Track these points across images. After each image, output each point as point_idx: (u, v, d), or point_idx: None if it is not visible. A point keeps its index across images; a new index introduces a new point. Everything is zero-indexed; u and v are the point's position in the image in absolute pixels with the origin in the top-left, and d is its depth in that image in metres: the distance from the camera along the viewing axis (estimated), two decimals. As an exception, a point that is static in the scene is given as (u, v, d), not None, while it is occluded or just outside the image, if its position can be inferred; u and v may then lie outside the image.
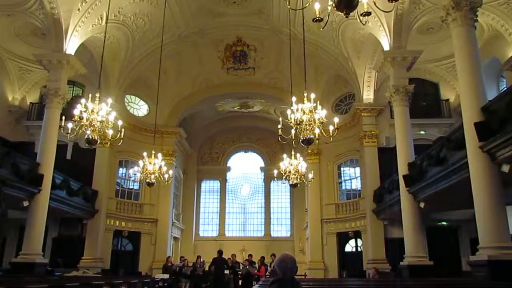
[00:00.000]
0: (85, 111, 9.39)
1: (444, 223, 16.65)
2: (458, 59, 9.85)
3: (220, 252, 16.41)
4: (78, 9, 13.94)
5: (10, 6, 13.93)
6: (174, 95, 21.42)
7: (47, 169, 13.40)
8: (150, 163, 12.68)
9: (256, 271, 16.56)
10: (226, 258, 16.86)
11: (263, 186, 26.97)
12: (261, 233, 26.07)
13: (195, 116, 24.78)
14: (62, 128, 9.90)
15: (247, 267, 16.52)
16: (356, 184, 19.84)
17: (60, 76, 14.17)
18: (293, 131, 9.35)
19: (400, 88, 13.62)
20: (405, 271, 12.32)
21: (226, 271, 16.28)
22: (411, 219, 12.66)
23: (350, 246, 19.49)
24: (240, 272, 16.85)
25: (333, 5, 5.04)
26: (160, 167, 12.87)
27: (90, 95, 9.80)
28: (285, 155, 12.65)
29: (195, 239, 25.28)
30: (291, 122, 9.13)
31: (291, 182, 12.24)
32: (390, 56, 13.78)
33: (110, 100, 10.13)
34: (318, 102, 9.30)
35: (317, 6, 5.53)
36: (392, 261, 15.69)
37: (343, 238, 19.49)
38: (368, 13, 5.09)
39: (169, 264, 16.72)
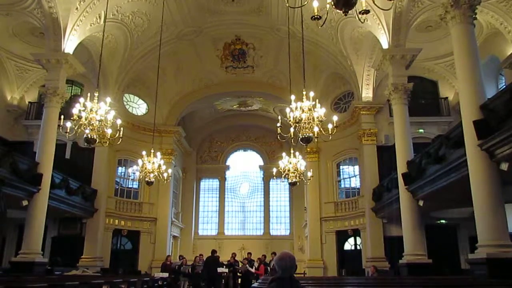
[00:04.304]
0: (84, 110, 9.41)
1: (443, 221, 16.67)
2: (457, 57, 9.85)
3: (213, 252, 16.42)
4: (76, 8, 13.91)
5: (8, 5, 13.90)
6: (173, 94, 21.41)
7: (46, 168, 13.39)
8: (149, 162, 12.70)
9: (255, 269, 16.57)
10: (230, 257, 16.87)
11: (262, 185, 26.98)
12: (260, 231, 26.08)
13: (194, 115, 24.77)
14: (61, 128, 9.91)
15: (246, 265, 16.54)
16: (355, 183, 19.86)
17: (58, 75, 14.14)
18: (292, 130, 9.36)
19: (399, 86, 13.61)
20: (404, 269, 12.34)
21: (222, 269, 16.28)
22: (410, 217, 12.67)
23: (349, 244, 19.52)
24: (239, 271, 16.86)
25: (332, 3, 5.03)
26: (159, 166, 12.89)
27: (88, 94, 9.83)
28: (284, 154, 12.67)
29: (194, 238, 25.28)
30: (290, 121, 9.14)
31: (290, 181, 12.26)
32: (388, 54, 13.76)
33: (108, 99, 10.13)
34: (317, 100, 9.32)
35: (315, 4, 5.53)
36: (391, 259, 15.73)
37: (342, 236, 19.51)
38: (366, 11, 5.09)
39: (168, 262, 16.72)
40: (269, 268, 15.90)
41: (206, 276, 15.74)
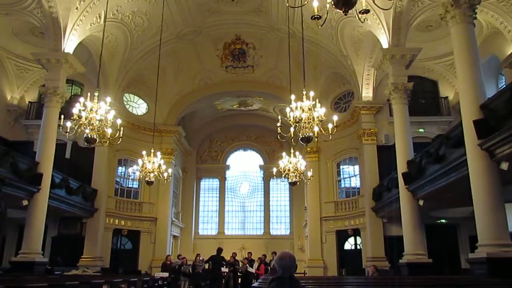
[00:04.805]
0: (84, 110, 9.40)
1: (443, 220, 16.67)
2: (457, 57, 9.85)
3: (218, 250, 16.42)
4: (76, 8, 13.91)
5: (8, 5, 13.90)
6: (173, 94, 21.40)
7: (46, 168, 13.40)
8: (149, 161, 12.70)
9: (255, 269, 16.57)
10: (229, 257, 16.90)
11: (263, 184, 26.96)
12: (260, 231, 26.08)
13: (194, 114, 24.77)
14: (61, 127, 9.90)
15: (246, 265, 16.54)
16: (355, 182, 19.85)
17: (58, 75, 14.15)
18: (292, 129, 9.37)
19: (399, 85, 13.61)
20: (404, 269, 12.34)
21: (224, 269, 16.29)
22: (410, 217, 12.67)
23: (349, 244, 19.52)
24: (240, 271, 16.86)
25: (332, 2, 5.03)
26: (159, 165, 12.89)
27: (89, 94, 9.82)
28: (284, 153, 12.67)
29: (194, 238, 25.28)
30: (290, 120, 9.14)
31: (290, 180, 12.26)
32: (389, 53, 13.76)
33: (109, 99, 10.12)
34: (317, 100, 9.32)
35: (315, 3, 5.52)
36: (391, 259, 15.72)
37: (342, 236, 19.50)
38: (366, 11, 5.09)
39: (168, 262, 16.73)
40: (269, 268, 15.91)
41: (210, 275, 15.79)
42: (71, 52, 14.36)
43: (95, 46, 15.98)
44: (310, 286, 7.83)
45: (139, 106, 21.38)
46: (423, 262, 12.11)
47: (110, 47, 17.01)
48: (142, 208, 20.39)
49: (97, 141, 9.65)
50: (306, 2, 5.44)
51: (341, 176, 20.54)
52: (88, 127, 9.33)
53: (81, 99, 9.53)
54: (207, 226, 26.28)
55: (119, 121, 10.64)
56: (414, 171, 12.30)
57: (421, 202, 12.48)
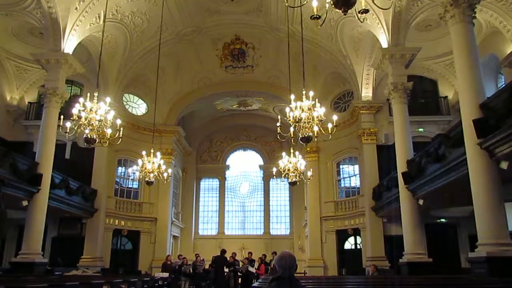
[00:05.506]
0: (83, 110, 9.40)
1: (443, 220, 16.68)
2: (457, 56, 9.85)
3: (222, 251, 16.42)
4: (76, 8, 13.91)
5: (8, 5, 13.89)
6: (172, 94, 21.40)
7: (46, 168, 13.40)
8: (149, 162, 12.71)
9: (255, 269, 16.57)
10: (229, 257, 16.93)
11: (262, 184, 26.98)
12: (260, 231, 26.09)
13: (194, 114, 24.77)
14: (60, 128, 9.91)
15: (247, 265, 16.54)
16: (355, 182, 19.86)
17: (58, 75, 14.15)
18: (291, 129, 9.37)
19: (399, 85, 13.62)
20: (404, 268, 12.35)
21: (225, 269, 16.32)
22: (410, 216, 12.68)
23: (349, 244, 19.52)
24: (240, 271, 16.86)
25: (331, 2, 5.03)
26: (159, 166, 12.90)
27: (88, 94, 9.83)
28: (284, 153, 12.68)
29: (194, 238, 25.29)
30: (290, 120, 9.15)
31: (290, 180, 12.26)
32: (388, 53, 13.77)
33: (108, 99, 10.12)
34: (317, 100, 9.32)
35: (315, 3, 5.53)
36: (391, 258, 15.72)
37: (342, 236, 19.51)
38: (366, 11, 5.09)
39: (169, 262, 16.73)
40: (269, 268, 15.91)
41: (213, 276, 15.81)
42: (71, 53, 14.37)
43: (95, 46, 15.98)
44: (310, 286, 7.83)
45: (138, 106, 21.38)
46: (423, 261, 12.12)
47: (110, 47, 17.01)
48: (142, 208, 20.39)
49: (97, 141, 9.66)
50: (305, 2, 5.43)
51: (341, 176, 20.54)
52: (88, 127, 9.34)
53: (81, 100, 9.53)
54: (207, 226, 26.28)
55: (118, 121, 10.66)
56: (414, 171, 12.30)
57: (421, 202, 12.49)
